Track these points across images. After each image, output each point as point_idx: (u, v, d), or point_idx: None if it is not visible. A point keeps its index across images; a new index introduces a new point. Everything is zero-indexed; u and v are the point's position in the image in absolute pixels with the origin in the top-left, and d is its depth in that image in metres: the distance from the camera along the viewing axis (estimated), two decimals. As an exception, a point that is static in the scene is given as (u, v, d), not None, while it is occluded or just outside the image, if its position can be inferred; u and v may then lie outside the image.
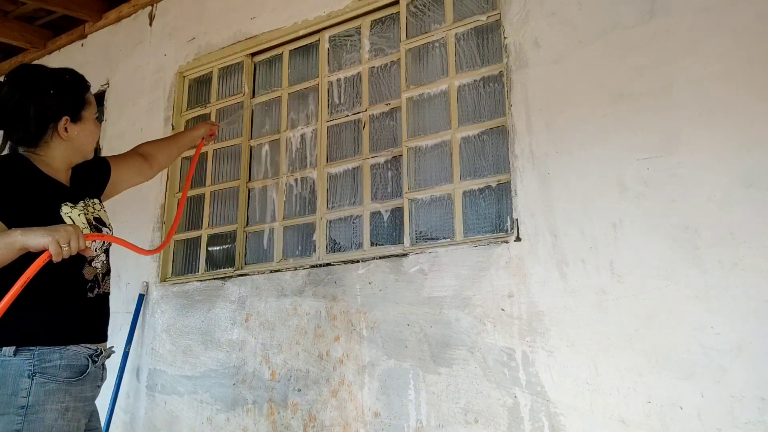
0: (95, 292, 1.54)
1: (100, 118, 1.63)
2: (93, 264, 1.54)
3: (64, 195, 1.52)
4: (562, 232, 1.83)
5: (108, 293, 1.61)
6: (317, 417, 2.18)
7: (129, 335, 2.83)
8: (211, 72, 3.03)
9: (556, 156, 1.89)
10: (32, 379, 1.35)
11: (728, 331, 1.55)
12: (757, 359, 1.50)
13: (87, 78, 1.69)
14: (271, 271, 2.49)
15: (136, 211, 3.08)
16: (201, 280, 2.71)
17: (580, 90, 1.89)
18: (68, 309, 1.47)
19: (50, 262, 1.27)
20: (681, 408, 1.57)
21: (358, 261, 2.25)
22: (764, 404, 1.48)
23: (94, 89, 3.88)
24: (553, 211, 1.86)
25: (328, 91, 2.61)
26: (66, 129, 1.52)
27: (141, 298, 2.88)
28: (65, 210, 1.49)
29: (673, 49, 1.75)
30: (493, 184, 2.08)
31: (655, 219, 1.69)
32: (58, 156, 1.55)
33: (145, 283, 2.91)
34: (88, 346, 1.48)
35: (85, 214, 1.53)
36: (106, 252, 1.61)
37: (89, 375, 1.47)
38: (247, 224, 2.73)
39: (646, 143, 1.74)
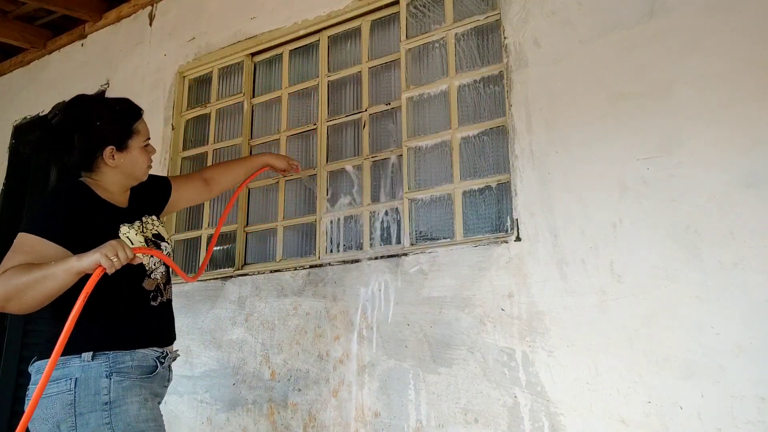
0: (158, 301, 1.70)
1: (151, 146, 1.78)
2: (152, 276, 1.69)
3: (120, 217, 1.66)
4: (562, 232, 1.83)
5: (170, 299, 1.78)
6: (317, 417, 2.19)
7: (129, 335, 2.82)
8: (211, 72, 3.03)
9: (556, 156, 1.89)
10: (110, 379, 1.50)
11: (728, 331, 1.55)
12: (757, 359, 1.50)
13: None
14: (271, 271, 2.49)
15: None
16: (201, 280, 2.71)
17: (580, 90, 1.89)
18: (134, 319, 1.62)
19: (109, 277, 1.41)
20: (681, 408, 1.57)
21: (358, 261, 2.25)
22: (764, 404, 1.48)
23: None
24: (553, 211, 1.86)
25: (328, 91, 2.61)
26: (113, 157, 1.65)
27: (141, 298, 2.88)
28: (123, 230, 1.64)
29: (673, 49, 1.75)
30: (493, 184, 2.08)
31: (655, 219, 1.69)
32: (110, 180, 1.68)
33: (145, 283, 2.91)
34: (156, 349, 1.64)
35: (142, 232, 1.68)
36: (165, 264, 1.76)
37: (158, 374, 1.62)
38: (247, 224, 2.73)
39: (646, 143, 1.74)
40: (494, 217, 2.07)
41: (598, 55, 1.87)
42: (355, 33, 2.59)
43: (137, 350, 1.58)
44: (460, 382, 1.90)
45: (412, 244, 2.17)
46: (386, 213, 2.34)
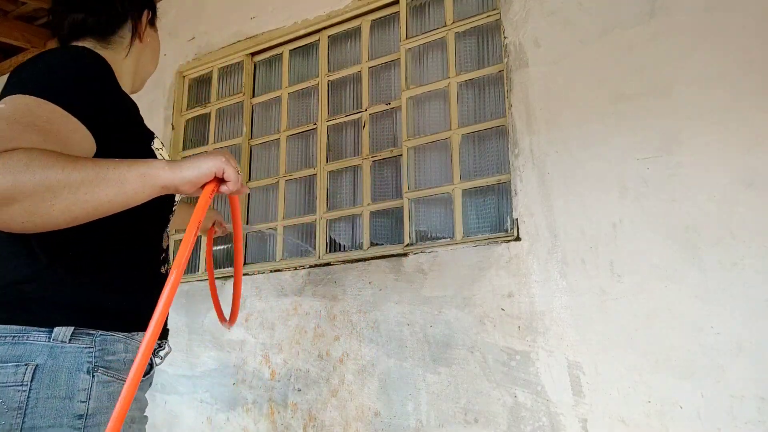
0: (164, 268, 1.16)
1: None
2: (167, 232, 1.18)
3: (143, 124, 1.13)
4: (562, 232, 1.83)
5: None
6: (317, 417, 2.19)
7: (129, 335, 2.83)
8: (211, 72, 3.03)
9: (556, 156, 1.89)
10: (92, 376, 0.94)
11: (728, 331, 1.55)
12: (757, 359, 1.50)
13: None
14: (271, 271, 2.49)
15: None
16: (201, 280, 2.71)
17: (580, 90, 1.89)
18: (143, 283, 1.05)
19: (139, 212, 0.90)
20: (681, 408, 1.57)
21: (358, 261, 2.25)
22: (764, 404, 1.48)
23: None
24: (553, 211, 1.86)
25: (328, 90, 2.61)
26: (145, 28, 1.18)
27: (141, 297, 2.88)
28: (157, 144, 1.12)
29: (673, 49, 1.75)
30: (493, 184, 2.08)
31: (655, 219, 1.69)
32: (126, 68, 1.18)
33: (145, 283, 2.91)
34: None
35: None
36: None
37: (149, 378, 1.11)
38: (247, 224, 2.73)
39: (646, 143, 1.74)
40: (494, 216, 2.07)
41: (598, 55, 1.87)
42: (355, 33, 2.59)
43: (134, 336, 1.02)
44: (460, 382, 1.91)
45: (412, 244, 2.17)
46: (386, 213, 2.34)
